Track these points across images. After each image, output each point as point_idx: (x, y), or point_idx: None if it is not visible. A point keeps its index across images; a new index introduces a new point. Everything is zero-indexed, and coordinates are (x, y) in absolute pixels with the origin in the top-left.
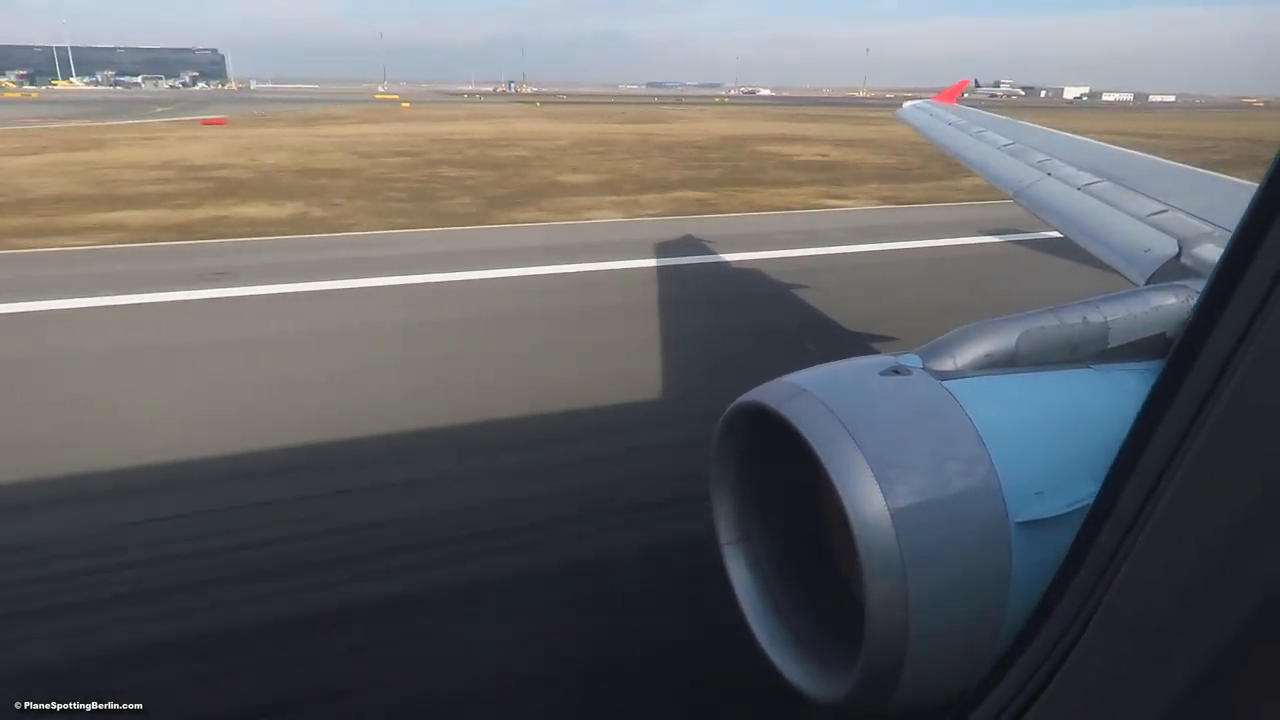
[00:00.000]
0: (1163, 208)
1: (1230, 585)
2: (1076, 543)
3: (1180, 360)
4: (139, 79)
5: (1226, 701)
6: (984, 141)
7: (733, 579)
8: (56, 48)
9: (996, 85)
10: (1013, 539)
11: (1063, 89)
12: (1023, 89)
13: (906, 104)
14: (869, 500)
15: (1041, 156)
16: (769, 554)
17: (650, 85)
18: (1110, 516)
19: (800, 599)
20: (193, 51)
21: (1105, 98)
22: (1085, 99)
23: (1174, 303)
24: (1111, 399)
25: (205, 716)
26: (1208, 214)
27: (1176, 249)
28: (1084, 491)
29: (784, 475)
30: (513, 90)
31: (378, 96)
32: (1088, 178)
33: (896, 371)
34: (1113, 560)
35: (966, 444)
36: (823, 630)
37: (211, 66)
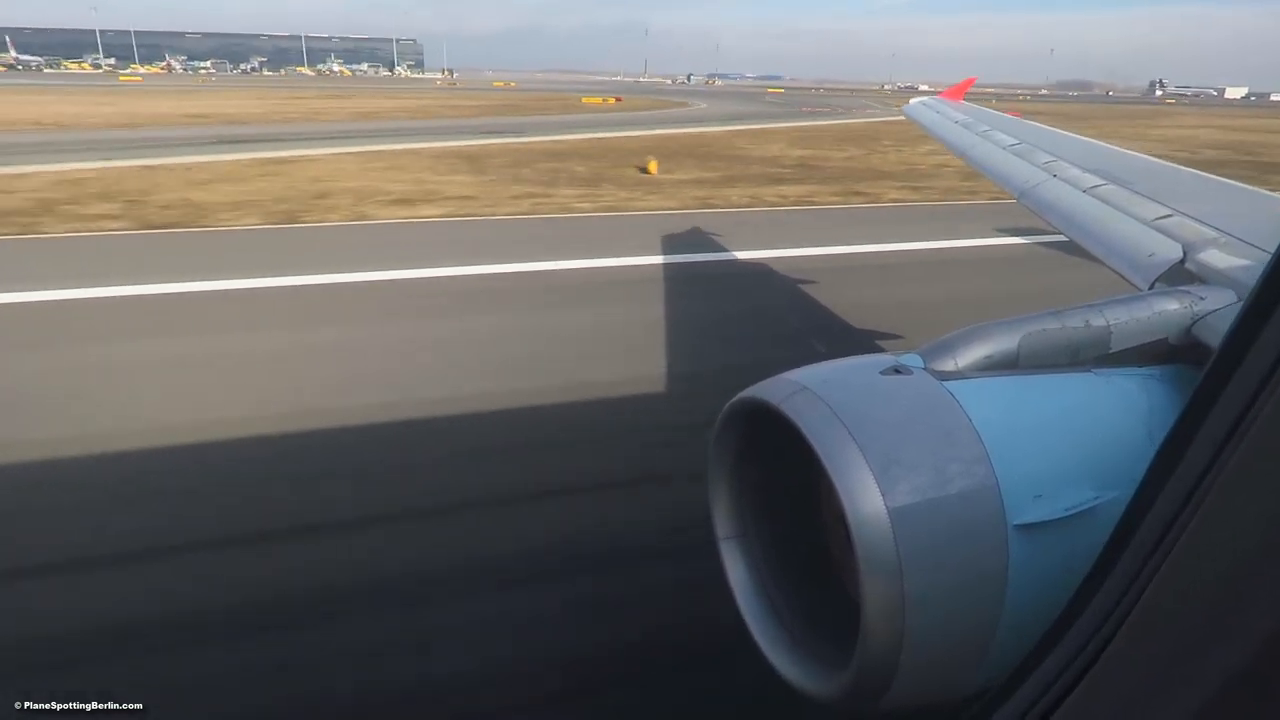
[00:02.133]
0: (1168, 212)
1: (1267, 599)
2: (1108, 546)
3: (1225, 362)
4: (364, 66)
5: (1260, 714)
6: (990, 141)
7: (729, 575)
8: (308, 37)
9: (1156, 85)
10: (1010, 541)
11: (1224, 89)
12: (1186, 90)
13: (913, 100)
14: (867, 499)
15: (1048, 158)
16: (766, 550)
17: (710, 76)
18: (1145, 519)
19: (796, 596)
20: (397, 41)
21: (1274, 97)
22: (1253, 99)
23: (1177, 308)
24: (1113, 403)
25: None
26: (1213, 220)
27: (1181, 254)
28: (1083, 496)
29: (782, 472)
30: (691, 82)
31: (772, 91)
32: (1093, 180)
33: (898, 371)
34: (1146, 565)
35: (966, 445)
36: (818, 627)
37: (415, 56)
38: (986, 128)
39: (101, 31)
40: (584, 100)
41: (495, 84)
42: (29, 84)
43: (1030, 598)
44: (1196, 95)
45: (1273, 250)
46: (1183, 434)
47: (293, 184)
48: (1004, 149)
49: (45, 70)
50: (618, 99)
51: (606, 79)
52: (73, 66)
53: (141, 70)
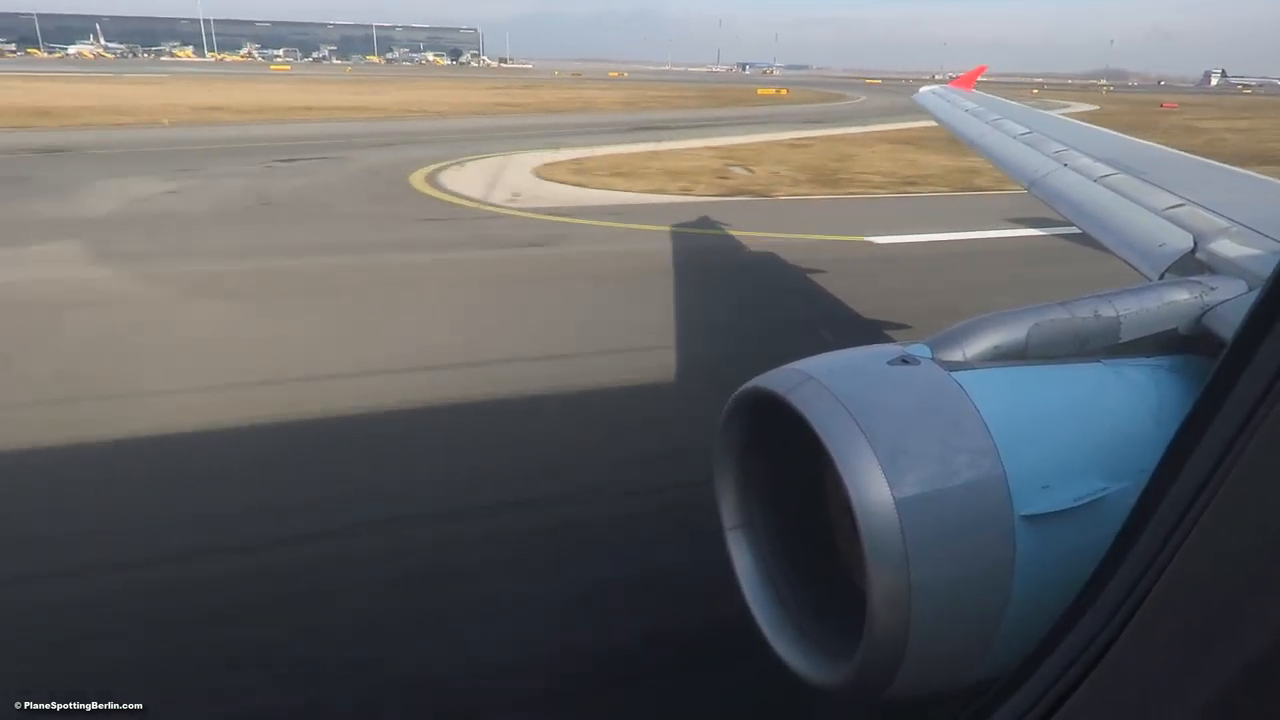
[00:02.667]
0: (1179, 202)
1: (1277, 589)
2: (1120, 536)
3: (1240, 350)
4: (429, 55)
5: (1269, 708)
6: (1000, 130)
7: (735, 564)
8: (377, 27)
9: (1213, 75)
10: (1017, 532)
11: None
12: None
13: (923, 89)
14: (874, 489)
15: (1058, 147)
16: (772, 540)
17: (742, 65)
18: (1158, 510)
19: (803, 585)
20: (458, 30)
21: None
22: None
23: (1187, 298)
24: (1121, 394)
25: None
26: (1224, 209)
27: (1191, 244)
28: (1091, 486)
29: (789, 462)
30: (746, 71)
31: (870, 82)
32: (1104, 169)
33: (905, 361)
34: (1159, 556)
35: (973, 436)
36: (824, 617)
37: (473, 46)
38: (996, 116)
39: (178, 20)
40: (759, 92)
41: (610, 74)
42: (195, 73)
43: (1037, 589)
44: (1260, 85)
45: None
46: (1197, 424)
47: (876, 163)
48: (1014, 138)
49: (158, 58)
50: (785, 90)
51: (658, 68)
52: (180, 54)
53: (206, 58)
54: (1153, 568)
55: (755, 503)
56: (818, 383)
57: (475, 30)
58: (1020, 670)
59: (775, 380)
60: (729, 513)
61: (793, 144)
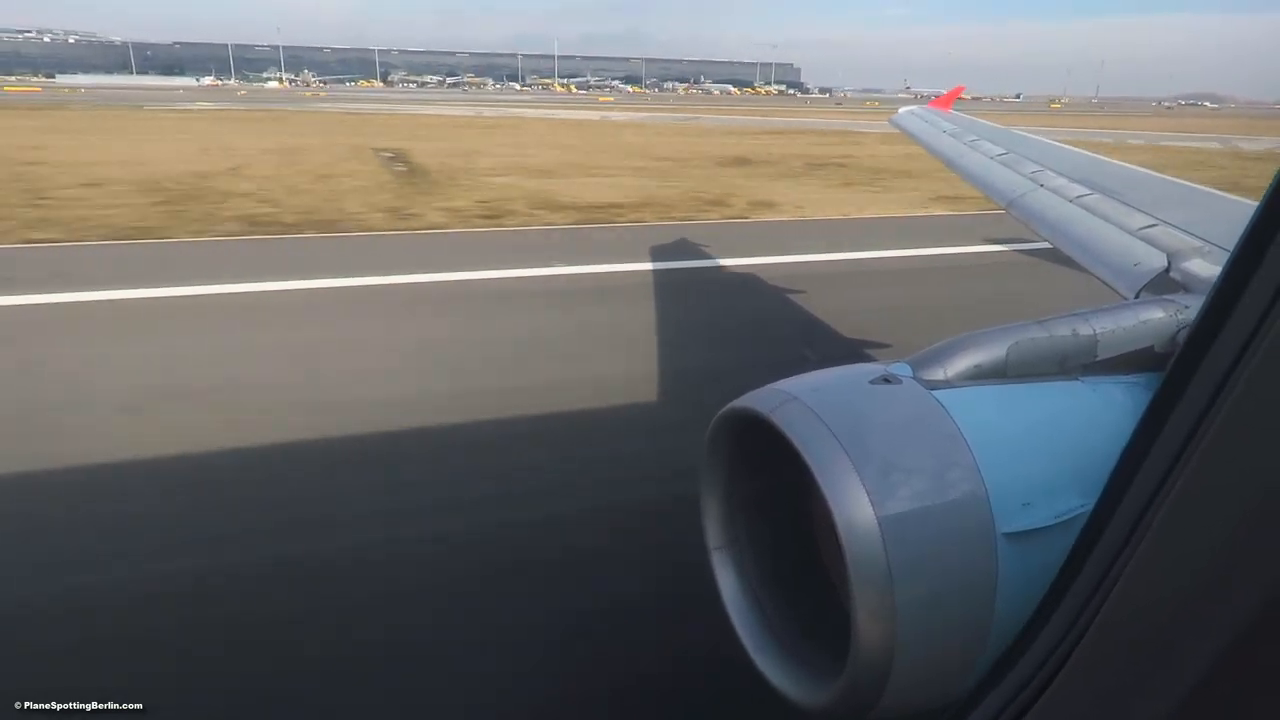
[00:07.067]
0: (1153, 222)
1: (1229, 594)
2: (1074, 549)
3: (1181, 370)
4: (729, 87)
5: (1225, 710)
6: (978, 150)
7: (720, 584)
8: (691, 61)
9: None
10: (999, 550)
11: None
12: None
13: (902, 110)
14: (857, 508)
15: (1034, 167)
16: (757, 560)
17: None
18: (1110, 524)
19: (787, 605)
20: (774, 65)
21: None
22: None
23: (1162, 316)
24: (1099, 411)
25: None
26: (1197, 229)
27: (1165, 263)
28: (1071, 503)
29: (773, 482)
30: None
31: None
32: (1079, 190)
33: (886, 380)
34: (1111, 568)
35: (954, 454)
36: (809, 637)
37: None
38: (974, 137)
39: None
40: None
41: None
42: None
43: (1020, 605)
44: None
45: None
46: (1145, 436)
47: None
48: (991, 158)
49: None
50: None
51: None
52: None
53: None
54: (1109, 576)
55: (740, 522)
56: (800, 402)
57: (791, 64)
58: (985, 681)
59: (758, 400)
60: (714, 533)
61: None
